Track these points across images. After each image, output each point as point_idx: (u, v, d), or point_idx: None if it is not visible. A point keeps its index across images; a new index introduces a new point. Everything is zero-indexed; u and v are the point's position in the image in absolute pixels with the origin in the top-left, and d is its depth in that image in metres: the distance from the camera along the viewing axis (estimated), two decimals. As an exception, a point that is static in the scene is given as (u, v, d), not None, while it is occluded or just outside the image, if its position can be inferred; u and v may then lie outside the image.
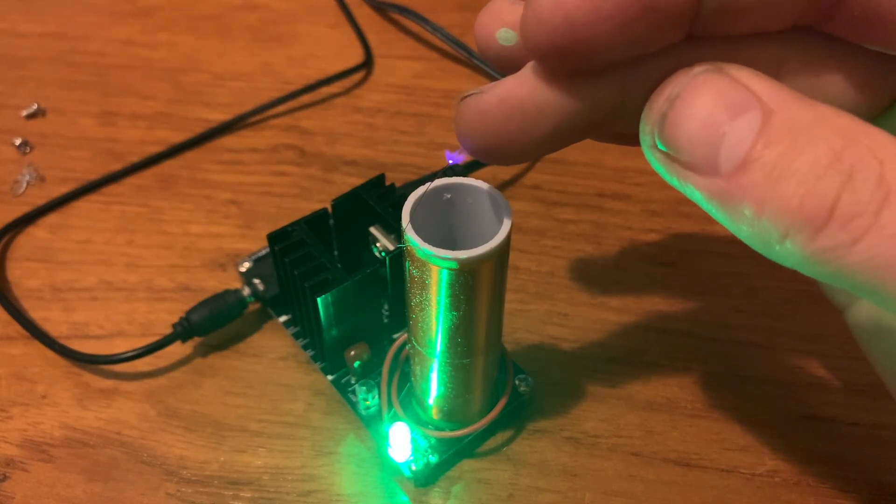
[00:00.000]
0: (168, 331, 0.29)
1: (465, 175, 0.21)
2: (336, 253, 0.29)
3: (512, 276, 0.31)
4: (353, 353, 0.27)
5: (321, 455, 0.27)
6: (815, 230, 0.14)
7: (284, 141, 0.38)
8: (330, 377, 0.28)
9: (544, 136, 0.17)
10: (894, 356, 0.21)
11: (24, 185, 0.36)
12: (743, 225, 0.15)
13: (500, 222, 0.20)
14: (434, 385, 0.25)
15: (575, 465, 0.26)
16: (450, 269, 0.20)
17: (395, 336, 0.29)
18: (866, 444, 0.27)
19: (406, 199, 0.20)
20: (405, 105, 0.40)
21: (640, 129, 0.17)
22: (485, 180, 0.21)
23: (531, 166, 0.36)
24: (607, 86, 0.17)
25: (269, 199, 0.35)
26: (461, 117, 0.18)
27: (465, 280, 0.20)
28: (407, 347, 0.26)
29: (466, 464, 0.26)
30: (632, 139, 0.18)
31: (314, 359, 0.29)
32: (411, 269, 0.21)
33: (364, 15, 0.45)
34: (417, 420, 0.26)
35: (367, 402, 0.27)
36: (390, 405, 0.26)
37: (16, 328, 0.30)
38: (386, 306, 0.29)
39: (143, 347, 0.28)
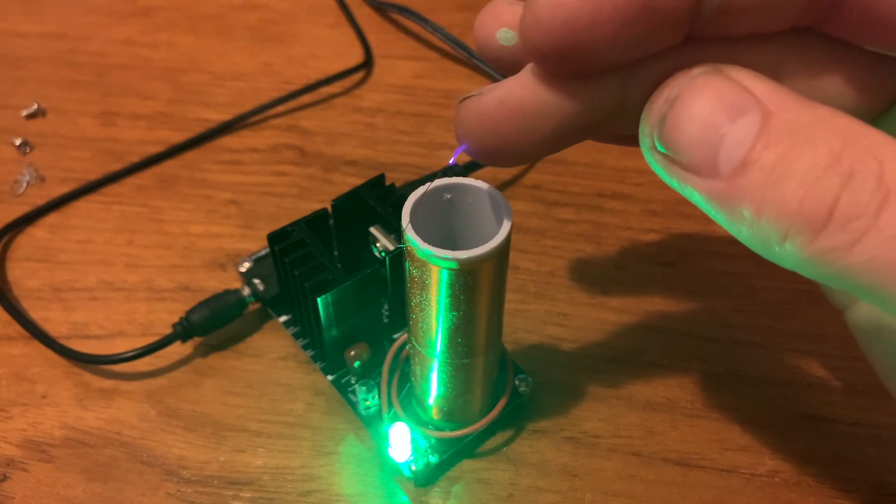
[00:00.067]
0: (168, 331, 0.29)
1: (465, 175, 0.21)
2: (336, 253, 0.29)
3: (512, 276, 0.31)
4: (353, 353, 0.27)
5: (321, 455, 0.27)
6: (815, 231, 0.14)
7: (284, 141, 0.38)
8: (330, 377, 0.28)
9: (544, 138, 0.18)
10: (894, 356, 0.21)
11: (24, 185, 0.36)
12: (742, 226, 0.15)
13: (500, 222, 0.20)
14: (434, 385, 0.25)
15: (575, 465, 0.26)
16: (450, 269, 0.20)
17: (395, 336, 0.29)
18: (866, 444, 0.27)
19: (406, 199, 0.20)
20: (405, 105, 0.40)
21: (640, 130, 0.17)
22: (485, 180, 0.21)
23: (531, 166, 0.36)
24: (607, 87, 0.17)
25: (269, 199, 0.35)
26: (461, 119, 0.18)
27: (465, 280, 0.20)
28: (407, 347, 0.26)
29: (466, 464, 0.26)
30: (632, 140, 0.18)
31: (314, 359, 0.29)
32: (411, 269, 0.21)
33: (364, 15, 0.45)
34: (417, 420, 0.27)
35: (367, 402, 0.27)
36: (390, 405, 0.26)
37: (16, 328, 0.30)
38: (386, 306, 0.29)
39: (143, 347, 0.28)
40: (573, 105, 0.17)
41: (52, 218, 0.34)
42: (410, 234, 0.20)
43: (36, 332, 0.29)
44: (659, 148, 0.16)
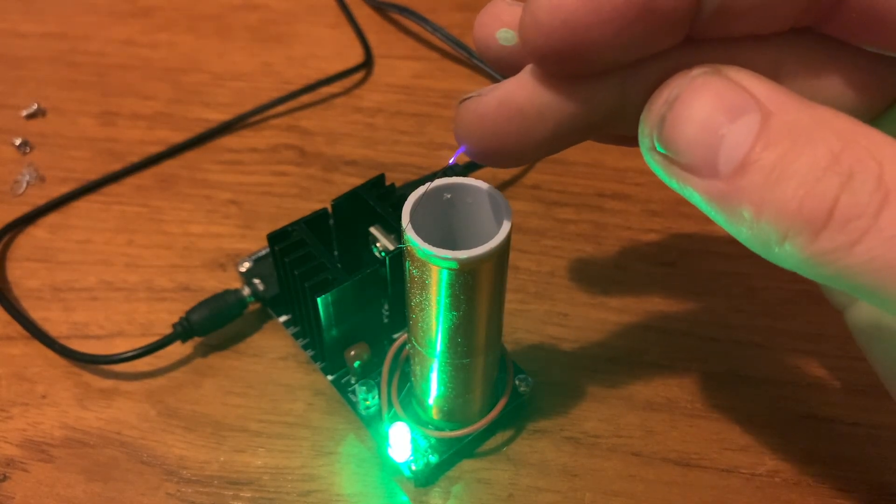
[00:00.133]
0: (168, 331, 0.29)
1: (465, 175, 0.21)
2: (336, 253, 0.29)
3: (512, 276, 0.31)
4: (353, 353, 0.27)
5: (321, 455, 0.27)
6: (815, 232, 0.14)
7: (284, 141, 0.38)
8: (330, 377, 0.28)
9: (544, 139, 0.18)
10: (894, 356, 0.21)
11: (24, 185, 0.36)
12: (742, 227, 0.15)
13: (500, 222, 0.20)
14: (434, 385, 0.25)
15: (575, 465, 0.26)
16: (450, 269, 0.20)
17: (395, 336, 0.29)
18: (866, 444, 0.27)
19: (406, 199, 0.20)
20: (405, 105, 0.40)
21: (639, 131, 0.17)
22: (485, 180, 0.21)
23: (531, 166, 0.36)
24: (606, 88, 0.17)
25: (269, 199, 0.35)
26: (460, 120, 0.18)
27: (465, 280, 0.20)
28: (407, 347, 0.26)
29: (466, 464, 0.26)
30: (631, 140, 0.18)
31: (314, 359, 0.29)
32: (411, 269, 0.21)
33: (364, 15, 0.45)
34: (417, 420, 0.27)
35: (367, 402, 0.27)
36: (390, 405, 0.26)
37: (16, 328, 0.30)
38: (386, 306, 0.29)
39: (143, 347, 0.28)
40: (573, 106, 0.17)
41: (52, 218, 0.34)
42: (410, 234, 0.20)
43: (36, 332, 0.29)
44: (658, 148, 0.16)
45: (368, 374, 0.28)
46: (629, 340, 0.30)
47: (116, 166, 0.36)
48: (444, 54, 0.42)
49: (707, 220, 0.17)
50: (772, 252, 0.15)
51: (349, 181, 0.36)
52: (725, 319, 0.30)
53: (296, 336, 0.30)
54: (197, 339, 0.30)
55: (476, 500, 0.26)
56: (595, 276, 0.32)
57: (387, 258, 0.26)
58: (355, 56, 0.42)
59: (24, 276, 0.32)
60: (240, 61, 0.42)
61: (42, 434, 0.27)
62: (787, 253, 0.15)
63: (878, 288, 0.14)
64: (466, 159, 0.19)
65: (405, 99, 0.40)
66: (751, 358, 0.29)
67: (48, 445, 0.27)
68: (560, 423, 0.27)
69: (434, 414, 0.26)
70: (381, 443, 0.26)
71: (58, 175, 0.36)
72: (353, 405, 0.27)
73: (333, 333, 0.27)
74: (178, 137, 0.38)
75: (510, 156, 0.18)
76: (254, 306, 0.30)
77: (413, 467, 0.25)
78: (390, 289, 0.27)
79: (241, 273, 0.31)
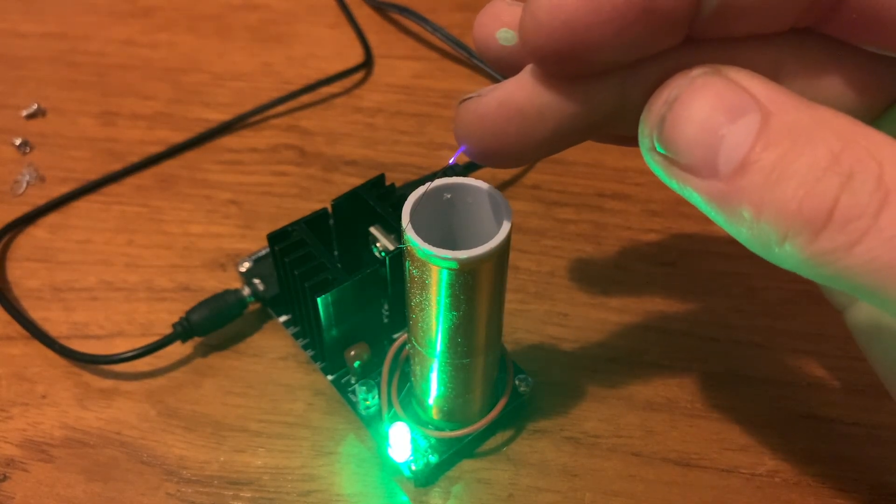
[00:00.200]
0: (168, 331, 0.29)
1: (465, 175, 0.21)
2: (336, 253, 0.29)
3: (512, 276, 0.31)
4: (353, 353, 0.27)
5: (321, 455, 0.27)
6: (815, 232, 0.14)
7: (284, 141, 0.38)
8: (330, 377, 0.28)
9: (543, 139, 0.18)
10: (894, 356, 0.21)
11: (24, 185, 0.36)
12: (742, 227, 0.15)
13: (500, 222, 0.20)
14: (434, 385, 0.25)
15: (575, 465, 0.26)
16: (450, 269, 0.20)
17: (395, 336, 0.29)
18: (866, 444, 0.27)
19: (406, 199, 0.20)
20: (405, 105, 0.40)
21: (639, 131, 0.17)
22: (485, 180, 0.21)
23: (531, 166, 0.36)
24: (606, 88, 0.17)
25: (269, 199, 0.35)
26: (460, 120, 0.18)
27: (465, 280, 0.20)
28: (407, 347, 0.26)
29: (466, 464, 0.26)
30: (631, 140, 0.18)
31: (314, 359, 0.29)
32: (411, 269, 0.21)
33: (364, 15, 0.45)
34: (417, 420, 0.27)
35: (367, 402, 0.27)
36: (390, 405, 0.26)
37: (16, 328, 0.30)
38: (386, 306, 0.29)
39: (143, 347, 0.28)
40: (573, 106, 0.17)
41: (52, 218, 0.34)
42: (410, 234, 0.20)
43: (36, 332, 0.29)
44: (658, 149, 0.16)
45: (368, 374, 0.28)
46: (629, 340, 0.30)
47: (116, 166, 0.36)
48: (444, 54, 0.42)
49: (707, 220, 0.17)
50: (772, 252, 0.15)
51: (349, 181, 0.36)
52: (725, 319, 0.30)
53: (296, 336, 0.30)
54: (197, 339, 0.30)
55: (476, 500, 0.26)
56: (595, 276, 0.32)
57: (387, 258, 0.26)
58: (355, 56, 0.42)
59: (24, 276, 0.32)
60: (240, 61, 0.42)
61: (42, 434, 0.27)
62: (787, 253, 0.15)
63: (878, 288, 0.14)
64: (466, 159, 0.19)
65: (405, 99, 0.40)
66: (751, 358, 0.29)
67: (48, 445, 0.27)
68: (560, 423, 0.27)
69: (434, 414, 0.26)
70: (381, 443, 0.26)
71: (58, 175, 0.36)
72: (353, 405, 0.27)
73: (333, 333, 0.27)
74: (178, 137, 0.38)
75: (510, 156, 0.18)
76: (254, 306, 0.30)
77: (413, 467, 0.25)
78: (390, 289, 0.27)
79: (241, 273, 0.31)
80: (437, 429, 0.26)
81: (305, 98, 0.40)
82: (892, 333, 0.21)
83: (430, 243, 0.19)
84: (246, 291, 0.30)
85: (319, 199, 0.35)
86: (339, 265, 0.26)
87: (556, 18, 0.15)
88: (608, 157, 0.36)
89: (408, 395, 0.27)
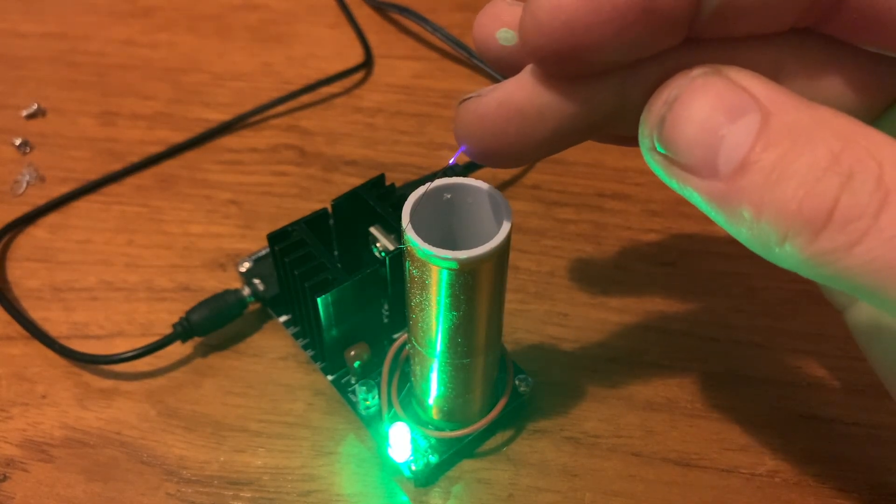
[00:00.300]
0: (168, 331, 0.29)
1: (465, 175, 0.21)
2: (336, 253, 0.29)
3: (512, 276, 0.31)
4: (353, 353, 0.27)
5: (321, 455, 0.27)
6: (815, 232, 0.14)
7: (284, 141, 0.38)
8: (330, 377, 0.28)
9: (543, 139, 0.18)
10: (894, 356, 0.21)
11: (24, 185, 0.36)
12: (742, 227, 0.15)
13: (500, 222, 0.20)
14: (434, 385, 0.25)
15: (575, 465, 0.26)
16: (450, 269, 0.20)
17: (395, 336, 0.29)
18: (866, 444, 0.27)
19: (406, 199, 0.20)
20: (405, 105, 0.40)
21: (639, 131, 0.17)
22: (485, 180, 0.21)
23: (531, 166, 0.36)
24: (606, 89, 0.17)
25: (269, 199, 0.35)
26: (460, 120, 0.18)
27: (465, 280, 0.20)
28: (407, 347, 0.26)
29: (466, 464, 0.26)
30: (632, 140, 0.18)
31: (314, 359, 0.29)
32: (411, 269, 0.21)
33: (364, 15, 0.45)
34: (417, 420, 0.27)
35: (367, 402, 0.27)
36: (390, 405, 0.26)
37: (16, 328, 0.30)
38: (386, 306, 0.29)
39: (143, 347, 0.28)
40: (573, 106, 0.17)
41: (52, 218, 0.34)
42: (410, 234, 0.20)
43: (36, 332, 0.29)
44: (658, 149, 0.16)
45: (368, 374, 0.28)
46: (629, 340, 0.30)
47: (116, 166, 0.36)
48: (444, 54, 0.42)
49: (707, 220, 0.17)
50: (772, 252, 0.15)
51: (349, 181, 0.36)
52: (725, 319, 0.30)
53: (296, 336, 0.30)
54: (197, 339, 0.30)
55: (476, 500, 0.26)
56: (595, 276, 0.32)
57: (387, 258, 0.26)
58: (355, 56, 0.42)
59: (24, 276, 0.32)
60: (240, 61, 0.42)
61: (42, 434, 0.27)
62: (787, 253, 0.15)
63: (878, 288, 0.14)
64: (466, 159, 0.19)
65: (405, 99, 0.40)
66: (751, 358, 0.29)
67: (48, 445, 0.27)
68: (560, 423, 0.27)
69: (434, 414, 0.26)
70: (381, 443, 0.26)
71: (58, 175, 0.36)
72: (353, 405, 0.27)
73: (333, 333, 0.27)
74: (178, 137, 0.38)
75: (510, 156, 0.18)
76: (254, 306, 0.30)
77: (413, 467, 0.25)
78: (390, 289, 0.27)
79: (241, 273, 0.31)
80: (437, 429, 0.26)
81: (305, 98, 0.40)
82: (892, 333, 0.21)
83: (430, 243, 0.19)
84: (246, 291, 0.30)
85: (319, 199, 0.35)
86: (339, 265, 0.26)
87: (556, 18, 0.15)
88: (608, 157, 0.36)
89: (408, 395, 0.27)
